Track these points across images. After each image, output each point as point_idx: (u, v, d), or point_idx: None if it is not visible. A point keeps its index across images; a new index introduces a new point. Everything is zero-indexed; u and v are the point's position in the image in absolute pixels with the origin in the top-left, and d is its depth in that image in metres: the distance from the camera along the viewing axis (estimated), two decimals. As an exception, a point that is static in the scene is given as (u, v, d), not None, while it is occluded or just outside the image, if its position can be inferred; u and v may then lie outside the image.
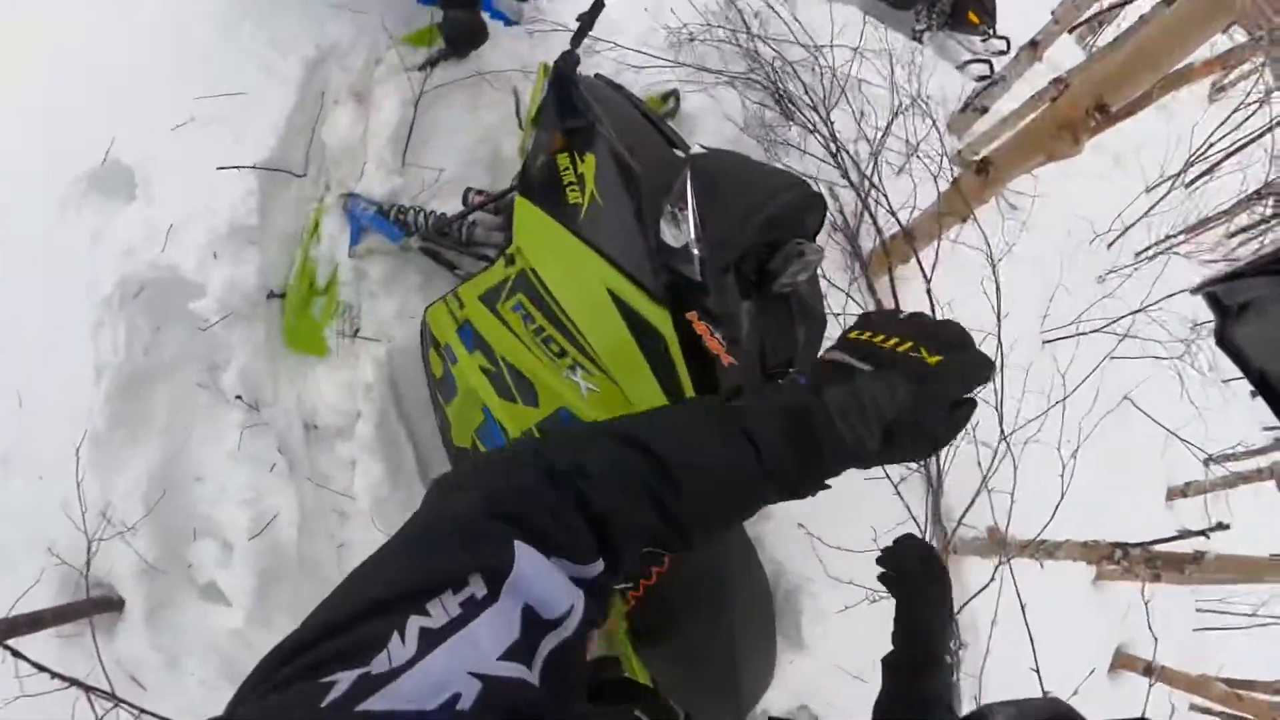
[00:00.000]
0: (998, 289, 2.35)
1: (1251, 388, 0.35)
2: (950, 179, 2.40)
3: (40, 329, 1.93)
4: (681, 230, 1.09)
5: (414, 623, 0.40)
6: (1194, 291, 0.42)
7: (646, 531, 0.58)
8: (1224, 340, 0.38)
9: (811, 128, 2.69)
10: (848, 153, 2.67)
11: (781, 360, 1.18)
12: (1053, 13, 2.90)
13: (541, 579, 0.47)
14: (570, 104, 1.42)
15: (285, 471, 1.99)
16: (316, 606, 0.45)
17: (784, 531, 2.10)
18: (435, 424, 1.71)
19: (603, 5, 1.90)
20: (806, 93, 2.74)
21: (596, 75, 1.71)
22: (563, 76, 1.47)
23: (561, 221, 1.32)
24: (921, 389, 0.63)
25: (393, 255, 2.20)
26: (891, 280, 2.58)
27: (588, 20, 1.82)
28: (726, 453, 0.61)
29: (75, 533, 1.71)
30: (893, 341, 0.67)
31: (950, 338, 0.66)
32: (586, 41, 1.70)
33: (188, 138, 2.04)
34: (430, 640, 0.40)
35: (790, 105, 2.73)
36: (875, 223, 2.65)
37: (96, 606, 1.74)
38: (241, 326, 2.00)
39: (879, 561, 0.99)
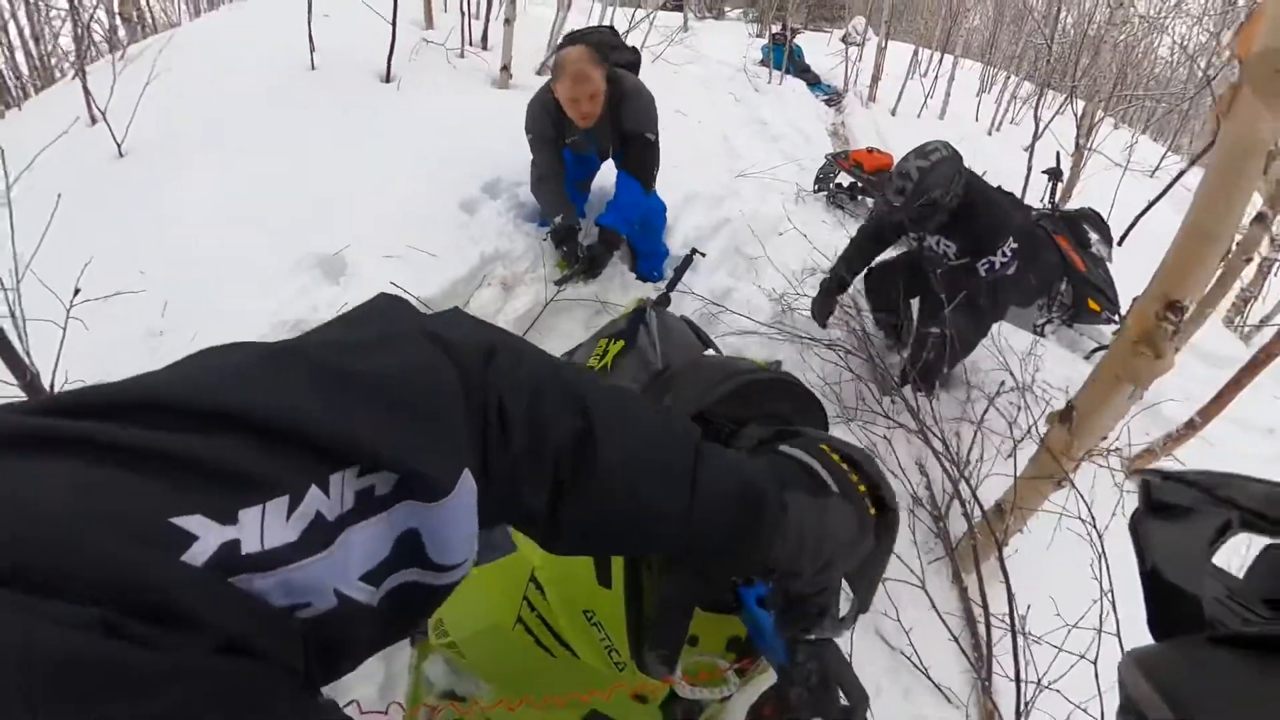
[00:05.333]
0: (1106, 566, 2.03)
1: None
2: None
3: (234, 315, 2.49)
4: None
5: (313, 499, 0.31)
6: (1128, 474, 0.49)
7: (527, 496, 0.46)
8: (1136, 527, 0.38)
9: (897, 392, 2.75)
10: (935, 431, 2.63)
11: None
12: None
13: (457, 523, 0.38)
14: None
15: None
16: (187, 361, 0.35)
17: None
18: None
19: (691, 259, 2.44)
20: (886, 370, 2.86)
21: (682, 316, 2.03)
22: (643, 310, 1.78)
23: None
24: (878, 546, 0.62)
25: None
26: (978, 570, 2.28)
27: (680, 270, 2.34)
28: (663, 481, 0.50)
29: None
30: (857, 479, 0.62)
31: (891, 504, 0.63)
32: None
33: (389, 264, 2.80)
34: (316, 535, 0.31)
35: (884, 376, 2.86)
36: (962, 503, 2.47)
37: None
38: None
39: None
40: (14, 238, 1.77)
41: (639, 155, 2.96)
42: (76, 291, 1.87)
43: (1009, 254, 2.65)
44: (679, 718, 0.99)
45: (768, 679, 0.95)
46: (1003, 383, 2.82)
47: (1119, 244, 2.09)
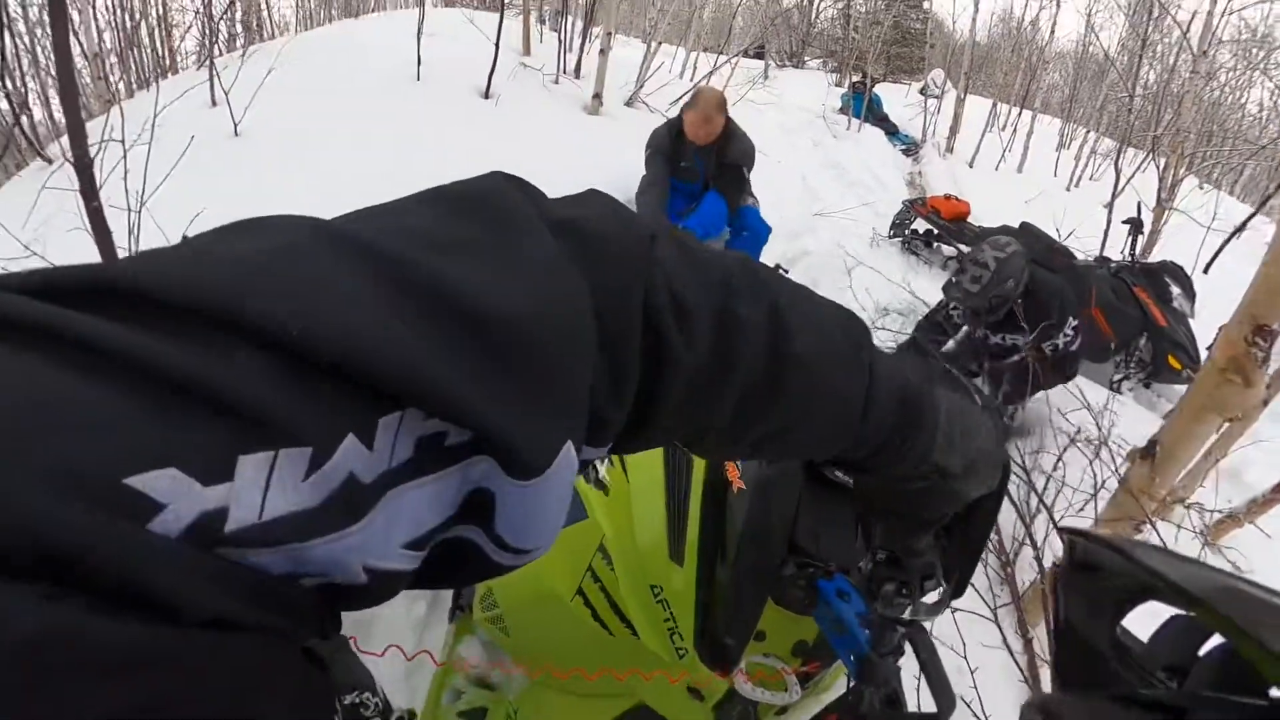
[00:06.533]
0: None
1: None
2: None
3: None
4: None
5: (347, 455, 0.22)
6: (1060, 530, 0.51)
7: (716, 407, 0.38)
8: (1056, 582, 0.40)
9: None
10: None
11: (807, 545, 0.83)
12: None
13: (540, 506, 0.28)
14: None
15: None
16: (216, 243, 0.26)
17: None
18: None
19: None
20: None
21: None
22: None
23: None
24: (985, 505, 0.63)
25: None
26: (1047, 618, 2.21)
27: None
28: (846, 378, 0.44)
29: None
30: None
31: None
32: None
33: None
34: (343, 502, 0.22)
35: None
36: (1034, 544, 2.42)
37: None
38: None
39: None
40: (146, 168, 2.05)
41: (731, 181, 3.44)
42: (184, 239, 2.09)
43: (1071, 333, 2.85)
44: None
45: (827, 698, 0.90)
46: (1079, 430, 2.78)
47: (1205, 271, 2.07)
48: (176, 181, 2.40)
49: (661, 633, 0.91)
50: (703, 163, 3.46)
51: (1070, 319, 2.84)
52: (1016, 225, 4.54)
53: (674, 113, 4.82)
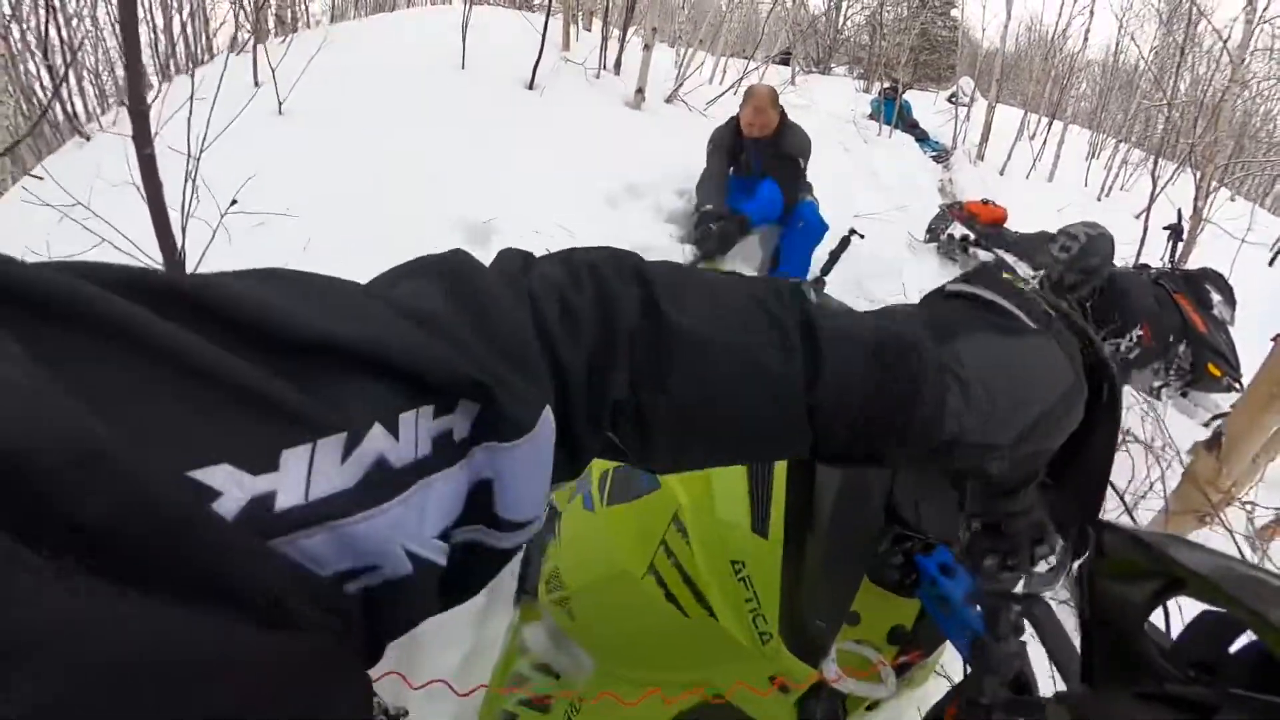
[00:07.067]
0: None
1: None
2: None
3: (373, 261, 2.76)
4: None
5: (375, 440, 0.25)
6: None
7: (612, 390, 0.35)
8: (1083, 576, 0.40)
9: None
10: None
11: (907, 515, 0.74)
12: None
13: (533, 471, 0.31)
14: None
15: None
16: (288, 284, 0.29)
17: None
18: None
19: (849, 241, 2.56)
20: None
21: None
22: (802, 292, 1.81)
23: None
24: (1096, 435, 0.44)
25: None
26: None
27: (836, 253, 2.45)
28: (762, 334, 0.37)
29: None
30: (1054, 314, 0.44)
31: (1103, 360, 0.45)
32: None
33: (536, 239, 3.01)
34: (380, 482, 0.25)
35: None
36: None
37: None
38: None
39: None
40: (190, 121, 1.98)
41: (788, 173, 3.58)
42: (233, 202, 2.10)
43: (1134, 339, 2.92)
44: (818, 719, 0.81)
45: (918, 694, 0.82)
46: (1128, 429, 2.78)
47: (1270, 264, 2.06)
48: (223, 150, 2.35)
49: (742, 614, 0.81)
50: (759, 156, 3.61)
51: (1139, 326, 2.87)
52: (1053, 231, 4.54)
53: (711, 112, 4.88)
